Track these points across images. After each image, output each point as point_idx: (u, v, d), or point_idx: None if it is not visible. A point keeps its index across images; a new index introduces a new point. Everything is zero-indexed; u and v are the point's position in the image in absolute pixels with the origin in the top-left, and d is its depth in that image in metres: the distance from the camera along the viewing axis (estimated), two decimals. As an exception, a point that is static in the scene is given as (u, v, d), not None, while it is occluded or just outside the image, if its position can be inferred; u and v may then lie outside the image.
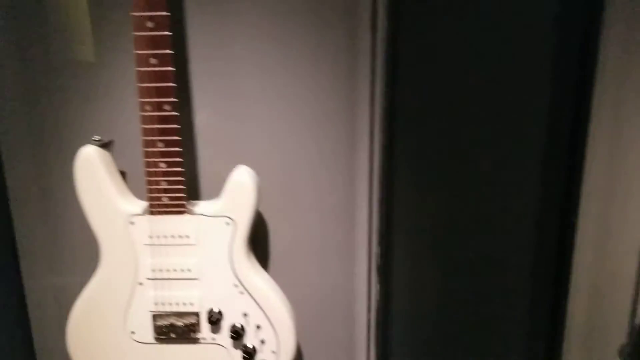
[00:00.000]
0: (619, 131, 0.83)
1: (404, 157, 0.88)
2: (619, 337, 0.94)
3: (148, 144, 0.77)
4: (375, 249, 0.87)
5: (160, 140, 0.77)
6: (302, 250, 0.91)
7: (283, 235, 0.91)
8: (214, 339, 0.85)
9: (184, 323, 0.84)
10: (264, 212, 0.90)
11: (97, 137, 0.80)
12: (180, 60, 0.83)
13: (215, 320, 0.83)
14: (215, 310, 0.83)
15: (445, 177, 0.89)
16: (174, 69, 0.74)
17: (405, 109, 0.85)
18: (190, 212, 0.80)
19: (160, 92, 0.75)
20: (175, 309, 0.83)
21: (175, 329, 0.84)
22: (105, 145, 0.81)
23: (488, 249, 0.92)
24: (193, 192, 0.87)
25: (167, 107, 0.76)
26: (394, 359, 0.98)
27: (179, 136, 0.76)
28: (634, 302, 0.90)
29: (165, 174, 0.78)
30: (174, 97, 0.75)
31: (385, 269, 0.91)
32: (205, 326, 0.84)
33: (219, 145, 0.86)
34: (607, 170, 0.85)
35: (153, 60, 0.74)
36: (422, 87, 0.85)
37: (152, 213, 0.80)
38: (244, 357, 0.84)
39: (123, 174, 0.85)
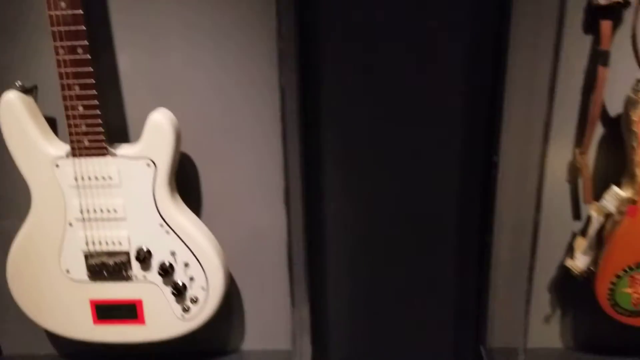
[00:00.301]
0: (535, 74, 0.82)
1: (326, 94, 0.88)
2: (545, 272, 0.96)
3: (65, 87, 0.79)
4: (295, 185, 0.89)
5: (76, 84, 0.78)
6: (232, 191, 0.93)
7: (213, 178, 0.93)
8: (144, 276, 0.88)
9: (114, 262, 0.87)
10: (192, 156, 0.91)
11: (19, 83, 0.82)
12: (100, 5, 0.83)
13: (143, 258, 0.86)
14: (144, 249, 0.86)
15: (369, 113, 0.90)
16: (83, 13, 0.75)
17: (326, 44, 0.86)
18: (112, 154, 0.82)
19: (71, 35, 0.76)
20: (105, 248, 0.87)
21: (107, 268, 0.87)
22: (28, 90, 0.83)
23: (413, 185, 0.93)
24: (122, 136, 0.89)
25: (80, 50, 0.77)
26: (326, 292, 1.01)
27: (95, 79, 0.78)
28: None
29: (83, 116, 0.80)
30: (85, 41, 0.76)
31: (309, 206, 0.93)
32: (135, 264, 0.87)
33: (145, 89, 0.88)
34: (526, 112, 0.85)
35: (62, 4, 0.75)
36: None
37: (75, 155, 0.82)
38: (173, 294, 0.88)
39: (53, 120, 0.88)
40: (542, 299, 0.98)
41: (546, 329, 1.00)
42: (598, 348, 0.99)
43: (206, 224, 0.91)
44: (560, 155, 0.89)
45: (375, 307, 1.04)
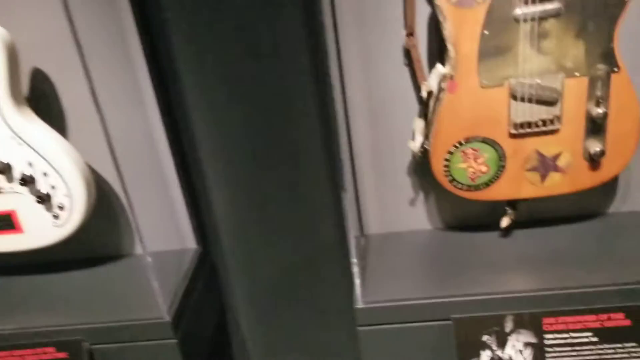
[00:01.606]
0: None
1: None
2: (403, 156, 0.98)
3: None
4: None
5: None
6: (91, 103, 0.97)
7: (72, 92, 0.97)
8: (11, 187, 0.94)
9: (-17, 176, 0.93)
10: (48, 72, 0.95)
11: None
12: None
13: (3, 170, 0.92)
14: (3, 161, 0.92)
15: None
16: None
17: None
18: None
19: None
20: (-30, 163, 0.92)
21: (-23, 182, 0.94)
22: None
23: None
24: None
25: None
26: (205, 184, 1.06)
27: None
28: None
29: None
30: None
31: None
32: (1, 177, 0.93)
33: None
34: None
35: None
36: None
37: None
38: (39, 202, 0.94)
39: None
40: (404, 182, 1.01)
41: (413, 212, 1.04)
42: (465, 226, 1.03)
43: (77, 136, 0.96)
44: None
45: (259, 207, 1.09)
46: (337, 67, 0.91)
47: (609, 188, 0.98)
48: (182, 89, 0.98)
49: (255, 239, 1.10)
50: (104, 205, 1.04)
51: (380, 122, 0.96)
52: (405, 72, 0.92)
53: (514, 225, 0.97)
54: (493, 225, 0.98)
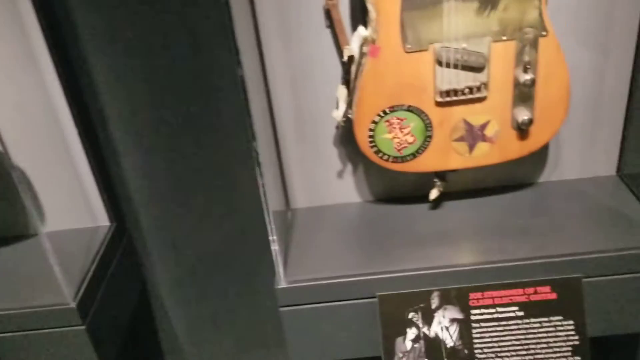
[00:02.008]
0: None
1: None
2: (329, 125, 0.93)
3: None
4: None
5: None
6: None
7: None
8: None
9: None
10: None
11: None
12: None
13: None
14: None
15: None
16: None
17: None
18: None
19: None
20: None
21: None
22: None
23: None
24: None
25: None
26: (116, 158, 0.98)
27: None
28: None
29: None
30: None
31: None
32: None
33: None
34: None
35: None
36: None
37: None
38: None
39: None
40: (330, 154, 0.96)
41: (341, 185, 0.99)
42: (395, 199, 0.99)
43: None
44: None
45: (176, 181, 1.01)
46: (254, 31, 0.84)
47: (540, 157, 0.96)
48: (85, 54, 0.89)
49: (176, 215, 1.03)
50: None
51: (303, 90, 0.90)
52: (327, 34, 0.85)
53: (444, 197, 0.94)
54: (423, 197, 0.94)
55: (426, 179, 0.92)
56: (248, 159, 0.94)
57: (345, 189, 0.99)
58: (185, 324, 1.15)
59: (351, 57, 0.79)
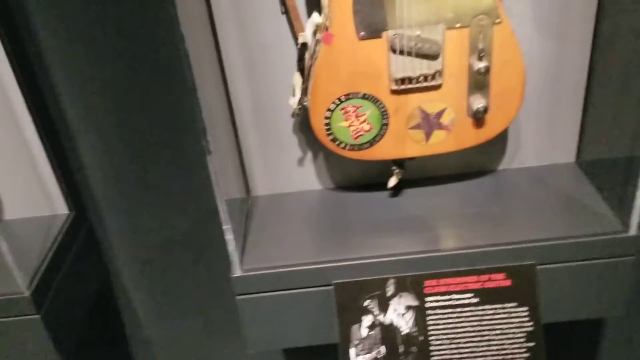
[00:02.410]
0: None
1: None
2: (288, 112, 0.92)
3: None
4: None
5: None
6: None
7: None
8: None
9: None
10: None
11: None
12: None
13: None
14: None
15: None
16: None
17: None
18: None
19: None
20: None
21: None
22: None
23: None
24: None
25: None
26: (74, 143, 0.97)
27: None
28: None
29: None
30: None
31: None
32: None
33: None
34: None
35: None
36: None
37: None
38: None
39: None
40: (290, 141, 0.95)
41: (302, 172, 0.98)
42: (355, 186, 0.99)
43: None
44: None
45: (135, 170, 1.00)
46: (208, 17, 0.83)
47: (499, 145, 0.96)
48: (38, 40, 0.87)
49: (135, 201, 1.02)
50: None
51: (261, 78, 0.89)
52: (283, 21, 0.84)
53: (404, 184, 0.94)
54: (383, 184, 0.94)
55: (386, 166, 0.92)
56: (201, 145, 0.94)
57: (305, 177, 0.99)
58: (148, 309, 1.14)
59: (304, 45, 0.78)
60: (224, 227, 0.80)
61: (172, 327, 1.16)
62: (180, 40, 0.65)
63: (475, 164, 0.97)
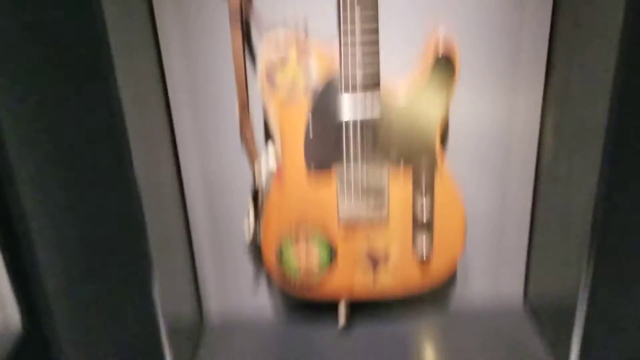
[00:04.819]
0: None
1: None
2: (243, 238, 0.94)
3: None
4: None
5: None
6: None
7: None
8: None
9: None
10: None
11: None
12: None
13: None
14: None
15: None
16: None
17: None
18: None
19: None
20: None
21: None
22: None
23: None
24: None
25: None
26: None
27: None
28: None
29: None
30: None
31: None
32: None
33: None
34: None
35: None
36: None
37: None
38: None
39: None
40: (244, 267, 0.97)
41: (254, 299, 0.99)
42: (307, 317, 0.99)
43: None
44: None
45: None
46: (170, 140, 0.86)
47: (448, 285, 0.98)
48: None
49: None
50: None
51: (218, 200, 0.92)
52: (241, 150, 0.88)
53: (359, 312, 0.95)
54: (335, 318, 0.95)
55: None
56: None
57: (258, 303, 1.00)
58: None
59: (257, 191, 0.82)
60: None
61: None
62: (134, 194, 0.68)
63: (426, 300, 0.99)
